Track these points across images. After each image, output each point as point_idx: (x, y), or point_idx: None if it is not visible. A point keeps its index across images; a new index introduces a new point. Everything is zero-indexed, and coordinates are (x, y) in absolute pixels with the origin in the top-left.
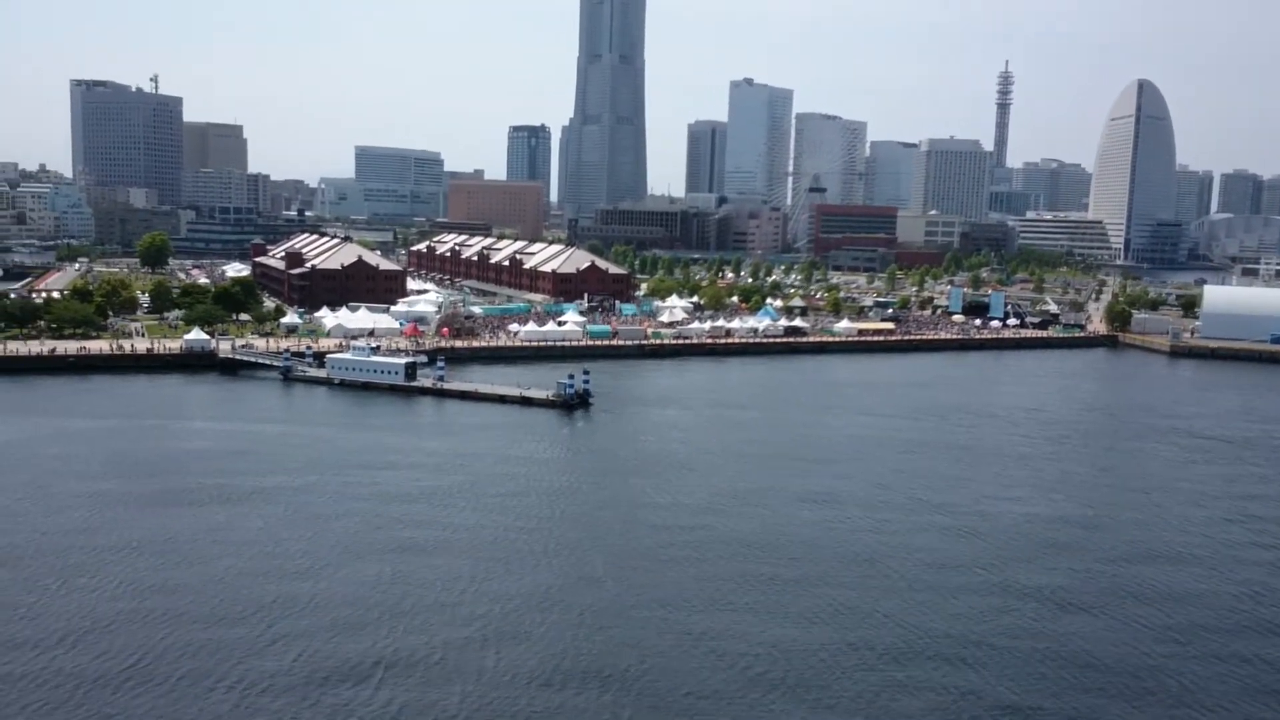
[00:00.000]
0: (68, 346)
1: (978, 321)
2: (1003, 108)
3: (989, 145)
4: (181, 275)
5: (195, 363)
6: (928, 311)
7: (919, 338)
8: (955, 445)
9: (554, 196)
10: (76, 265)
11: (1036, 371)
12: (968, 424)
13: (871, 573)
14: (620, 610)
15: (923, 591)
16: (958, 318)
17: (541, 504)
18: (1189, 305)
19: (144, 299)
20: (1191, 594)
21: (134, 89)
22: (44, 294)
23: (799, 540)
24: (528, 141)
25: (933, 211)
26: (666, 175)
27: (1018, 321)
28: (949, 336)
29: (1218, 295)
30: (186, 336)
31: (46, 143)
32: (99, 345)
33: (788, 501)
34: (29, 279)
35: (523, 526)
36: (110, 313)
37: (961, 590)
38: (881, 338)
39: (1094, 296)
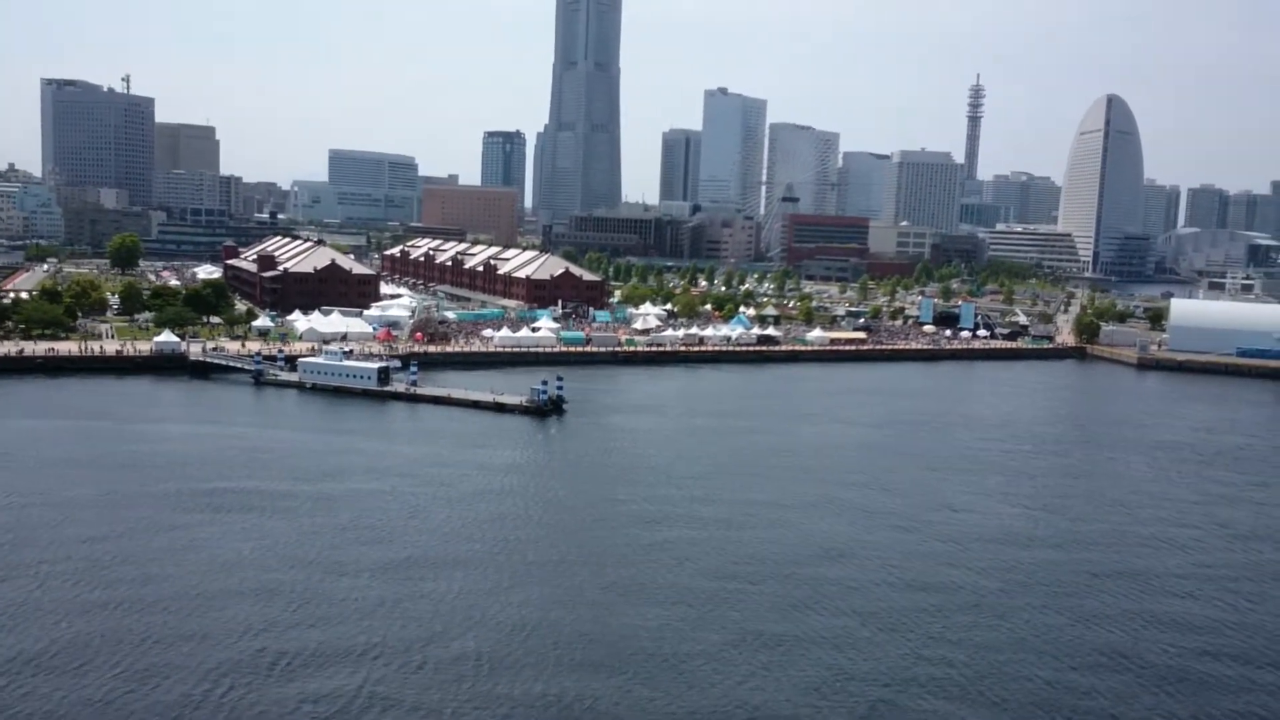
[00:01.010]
0: (36, 347)
1: (948, 332)
2: (973, 120)
3: (960, 157)
4: (152, 277)
5: (166, 365)
6: (899, 321)
7: (890, 347)
8: (928, 454)
9: (528, 203)
10: (45, 266)
11: (1006, 382)
12: (939, 433)
13: (844, 586)
14: (596, 618)
15: (905, 611)
16: (928, 328)
17: (517, 512)
18: (1156, 318)
19: (114, 300)
20: (1188, 611)
21: (105, 89)
22: (12, 294)
23: (772, 546)
24: (503, 147)
25: (904, 222)
26: (641, 183)
27: (987, 332)
28: (920, 346)
29: (1185, 309)
30: (157, 339)
31: (16, 142)
32: (68, 346)
33: (761, 509)
34: None
35: (499, 536)
36: (80, 314)
37: (936, 607)
38: (853, 347)
39: (1063, 308)
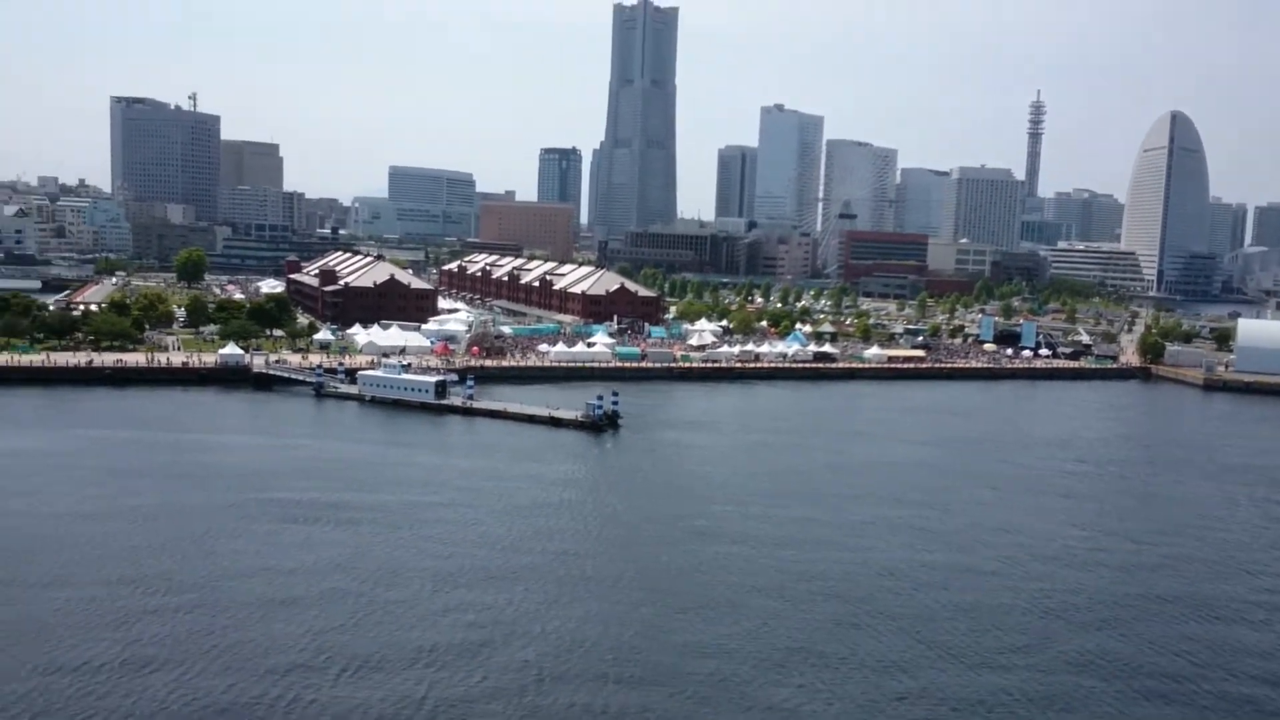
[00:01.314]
0: (104, 358)
1: (1009, 351)
2: (1034, 137)
3: (1021, 174)
4: (217, 290)
5: (230, 377)
6: (958, 340)
7: (949, 366)
8: (987, 474)
9: (584, 219)
10: (114, 279)
11: (1068, 402)
12: (999, 453)
13: (899, 607)
14: (650, 634)
15: (961, 633)
16: (989, 346)
17: (572, 526)
18: (1223, 338)
19: (180, 313)
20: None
21: (173, 106)
22: (82, 306)
23: (834, 568)
24: (559, 164)
25: (963, 240)
26: (696, 199)
27: (1049, 352)
28: (980, 365)
29: (1253, 329)
30: (221, 351)
31: (86, 158)
32: (135, 358)
33: (817, 527)
34: (68, 291)
35: (554, 549)
36: (147, 326)
37: (992, 629)
38: (911, 365)
39: (1126, 328)
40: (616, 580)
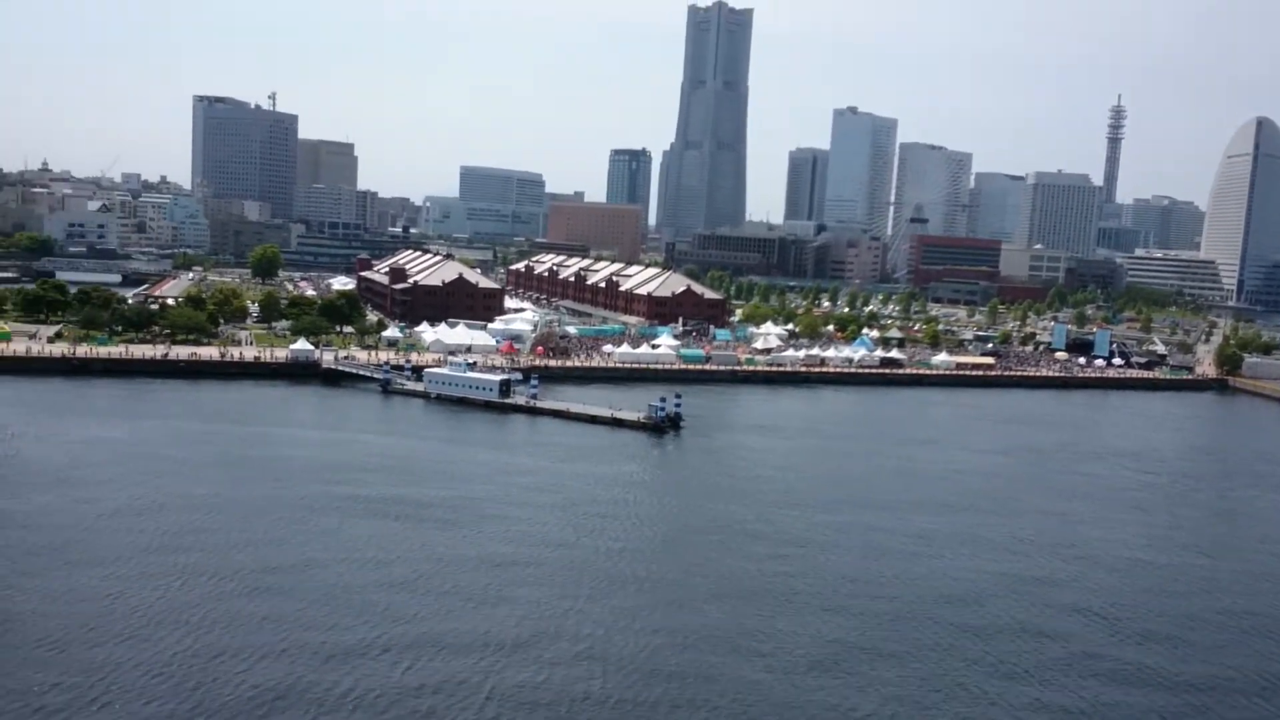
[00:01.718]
0: (180, 352)
1: (1082, 360)
2: (1113, 142)
3: (1098, 180)
4: (290, 287)
5: (300, 372)
6: (1030, 347)
7: (1020, 374)
8: (1057, 485)
9: (652, 220)
10: (191, 274)
11: (1142, 413)
12: (1072, 464)
13: (972, 621)
14: (717, 640)
15: (1025, 654)
16: (1061, 355)
17: (633, 527)
18: None
19: (254, 309)
20: None
21: (253, 106)
22: (160, 300)
23: (899, 577)
24: (628, 165)
25: (1038, 246)
26: (766, 201)
27: (1123, 361)
28: (1051, 374)
29: None
30: (292, 346)
31: (168, 155)
32: (209, 351)
33: (880, 535)
34: (146, 285)
35: (616, 549)
36: (221, 320)
37: (1059, 647)
38: (980, 373)
39: (1204, 338)
40: (671, 581)
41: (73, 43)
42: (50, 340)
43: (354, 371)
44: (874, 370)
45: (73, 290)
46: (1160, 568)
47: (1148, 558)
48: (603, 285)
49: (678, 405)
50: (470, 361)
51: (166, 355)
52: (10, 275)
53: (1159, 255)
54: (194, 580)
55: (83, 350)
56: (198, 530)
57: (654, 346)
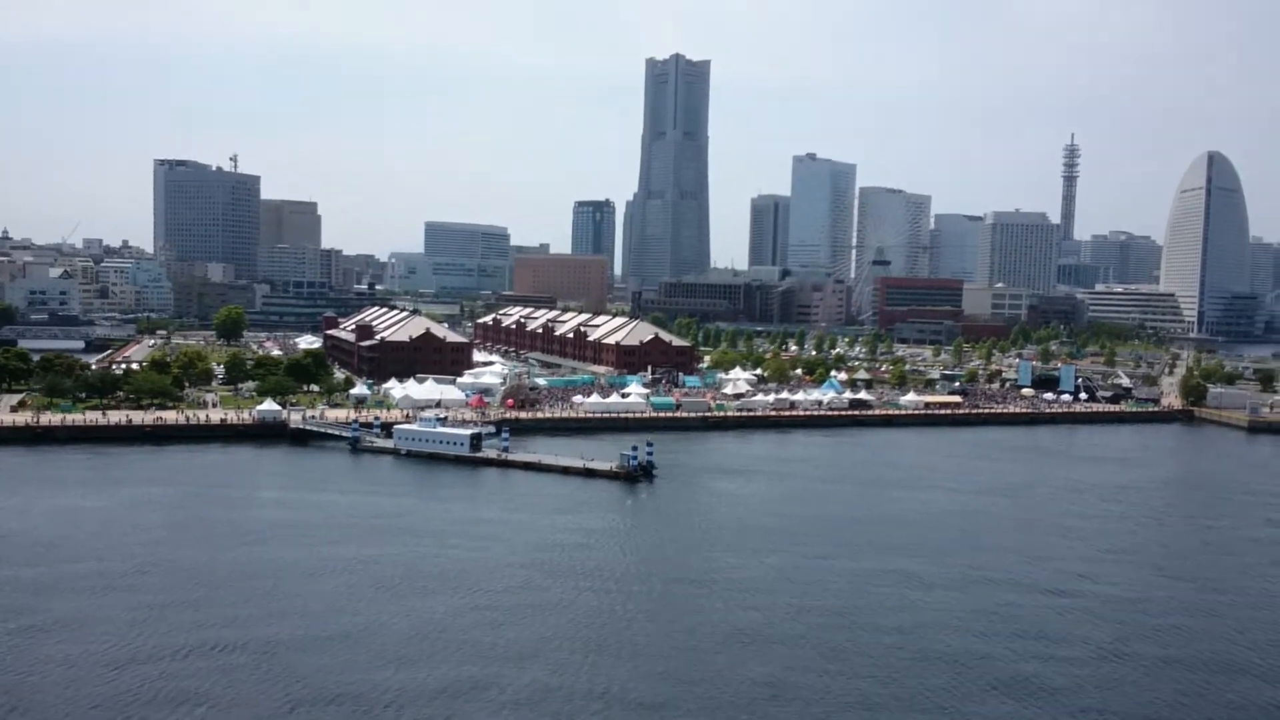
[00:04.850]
0: (144, 417)
1: (1048, 395)
2: (1069, 180)
3: (1056, 217)
4: (255, 347)
5: (267, 433)
6: (996, 385)
7: (988, 411)
8: (1033, 522)
9: (618, 269)
10: (154, 338)
11: (1111, 446)
12: (1040, 500)
13: (964, 670)
14: (695, 697)
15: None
16: (1027, 391)
17: (604, 577)
18: (1267, 379)
19: (219, 370)
20: None
21: (214, 168)
22: (124, 365)
23: (882, 623)
24: (593, 216)
25: (999, 284)
26: (730, 248)
27: (1089, 395)
28: (1018, 410)
29: None
30: (259, 407)
31: (130, 219)
32: (174, 415)
33: (863, 580)
34: (110, 351)
35: (594, 606)
36: (187, 383)
37: (1071, 682)
38: (948, 411)
39: (1167, 370)
40: (649, 637)
41: (31, 109)
42: (13, 409)
43: (322, 430)
44: (843, 412)
45: (35, 358)
46: (1149, 599)
47: (1140, 592)
48: (571, 336)
49: (650, 454)
50: (440, 416)
51: (130, 421)
52: None
53: (1119, 290)
54: (162, 632)
55: (46, 418)
56: (160, 595)
57: (624, 395)
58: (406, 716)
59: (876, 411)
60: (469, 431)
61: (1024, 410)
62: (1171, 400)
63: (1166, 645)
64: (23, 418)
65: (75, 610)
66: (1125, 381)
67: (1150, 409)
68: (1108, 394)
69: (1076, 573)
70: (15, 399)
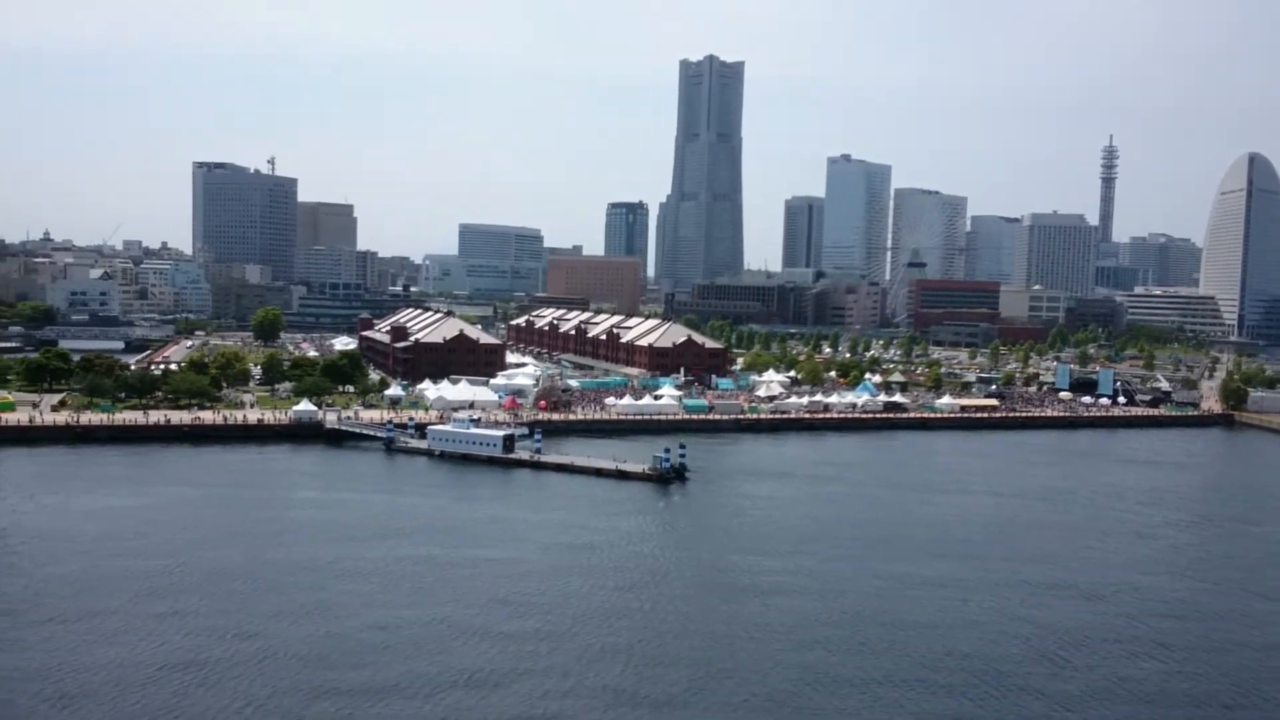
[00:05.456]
0: (182, 417)
1: (1086, 399)
2: (1107, 182)
3: (1094, 219)
4: (292, 348)
5: (303, 433)
6: (1033, 388)
7: (1024, 414)
8: (1069, 526)
9: (651, 271)
10: (192, 339)
11: (1149, 451)
12: (1081, 504)
13: (988, 669)
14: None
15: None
16: (1065, 395)
17: (634, 578)
18: None
19: (256, 371)
20: None
21: (252, 170)
22: (163, 366)
23: (915, 626)
24: (626, 218)
25: (1036, 286)
26: (763, 250)
27: (1127, 399)
28: (1055, 414)
29: None
30: (295, 408)
31: (169, 221)
32: (212, 416)
33: (895, 584)
34: (149, 352)
35: (625, 608)
36: (224, 384)
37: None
38: (985, 414)
39: (1207, 374)
40: (678, 635)
41: (72, 115)
42: (54, 408)
43: (357, 431)
44: (878, 415)
45: (76, 358)
46: (1186, 606)
47: (1180, 597)
48: (603, 338)
49: (682, 456)
50: (473, 418)
51: (168, 420)
52: (14, 345)
53: (1158, 292)
54: (197, 638)
55: (86, 418)
56: (199, 598)
57: (656, 398)
58: (444, 708)
59: (911, 414)
60: (502, 433)
61: (1062, 414)
62: (1211, 404)
63: (1212, 651)
64: (63, 417)
65: (116, 608)
66: (1164, 385)
67: (1190, 413)
68: (1147, 398)
69: (1118, 579)
70: (56, 399)
